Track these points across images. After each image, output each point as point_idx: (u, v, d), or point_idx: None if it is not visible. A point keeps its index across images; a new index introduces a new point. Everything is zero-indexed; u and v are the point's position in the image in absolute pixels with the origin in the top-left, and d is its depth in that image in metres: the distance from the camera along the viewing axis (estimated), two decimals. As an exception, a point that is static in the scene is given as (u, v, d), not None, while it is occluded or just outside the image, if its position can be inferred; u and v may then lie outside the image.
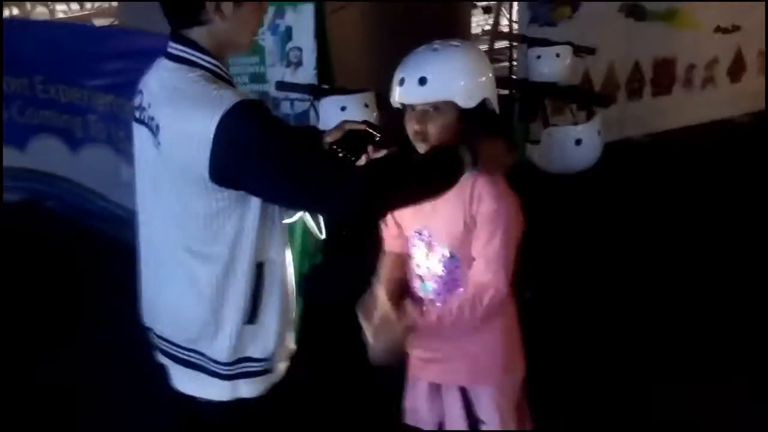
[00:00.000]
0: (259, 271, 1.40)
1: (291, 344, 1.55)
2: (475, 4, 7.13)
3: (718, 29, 5.27)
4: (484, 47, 4.99)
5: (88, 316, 3.17)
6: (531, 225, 1.68)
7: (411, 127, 1.57)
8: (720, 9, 5.21)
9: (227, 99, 1.29)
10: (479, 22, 7.09)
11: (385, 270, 1.75)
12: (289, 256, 1.49)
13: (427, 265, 1.69)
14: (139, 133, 1.43)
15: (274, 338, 1.45)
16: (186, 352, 1.47)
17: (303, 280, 2.41)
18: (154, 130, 1.37)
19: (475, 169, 1.47)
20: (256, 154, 1.28)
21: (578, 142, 2.71)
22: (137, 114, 1.44)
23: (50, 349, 2.99)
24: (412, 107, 1.56)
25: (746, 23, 5.32)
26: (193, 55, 1.38)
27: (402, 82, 1.55)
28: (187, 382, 1.49)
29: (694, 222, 3.85)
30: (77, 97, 3.93)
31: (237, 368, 1.44)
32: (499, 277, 1.58)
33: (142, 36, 3.64)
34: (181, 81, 1.36)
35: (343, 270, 2.41)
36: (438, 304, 1.67)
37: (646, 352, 2.84)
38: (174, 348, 1.49)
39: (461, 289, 1.65)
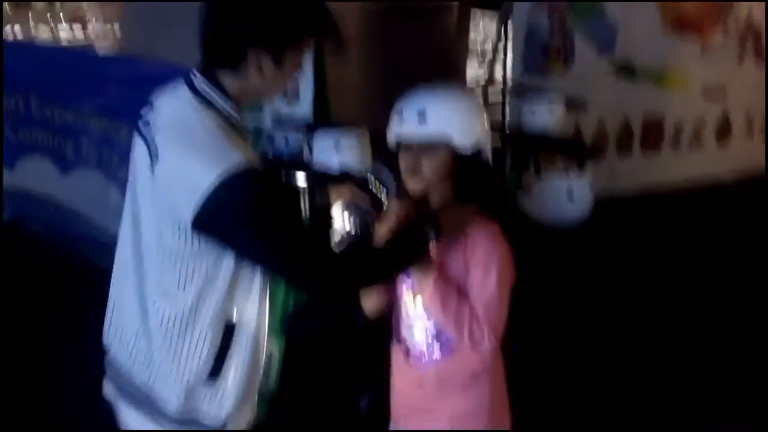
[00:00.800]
0: (228, 332, 1.36)
1: (250, 413, 1.49)
2: (470, 55, 7.25)
3: (706, 91, 5.40)
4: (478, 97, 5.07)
5: (60, 342, 3.10)
6: (519, 276, 1.67)
7: (405, 163, 1.56)
8: (708, 72, 5.34)
9: (233, 159, 1.26)
10: (474, 74, 7.22)
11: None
12: (265, 322, 1.44)
13: (418, 314, 1.66)
14: (138, 146, 1.41)
15: (230, 406, 1.40)
16: (137, 388, 1.41)
17: (287, 318, 2.39)
18: (152, 155, 1.34)
19: (438, 241, 1.49)
20: (244, 223, 1.28)
21: (570, 193, 2.74)
22: (140, 125, 1.40)
23: (16, 372, 2.93)
24: (408, 145, 1.55)
25: (733, 84, 5.46)
26: (213, 98, 1.35)
27: (401, 114, 1.54)
28: (133, 420, 1.43)
29: (680, 278, 3.86)
30: (72, 119, 3.92)
31: (185, 422, 1.39)
32: (484, 331, 1.56)
33: (142, 63, 3.67)
34: (193, 120, 1.33)
35: (326, 312, 2.39)
36: (424, 357, 1.65)
37: (633, 410, 2.81)
38: (125, 382, 1.43)
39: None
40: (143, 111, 1.42)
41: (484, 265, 1.55)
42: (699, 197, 5.04)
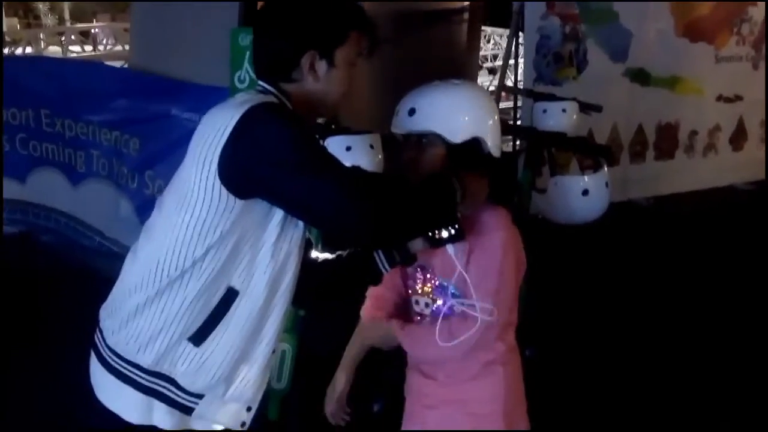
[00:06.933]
0: (228, 296, 1.32)
1: (234, 406, 1.41)
2: (481, 65, 7.27)
3: (720, 98, 5.35)
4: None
5: (68, 351, 3.07)
6: (532, 278, 1.65)
7: (403, 157, 1.58)
8: (722, 79, 5.30)
9: (254, 101, 1.29)
10: (484, 82, 7.21)
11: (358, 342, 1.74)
12: (282, 299, 1.38)
13: (428, 302, 1.63)
14: None
15: (209, 376, 1.35)
16: (108, 351, 1.37)
17: (299, 320, 2.35)
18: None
19: (462, 204, 1.43)
20: (271, 149, 1.23)
21: (585, 192, 2.68)
22: None
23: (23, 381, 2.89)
24: (406, 141, 1.57)
25: (748, 93, 5.41)
26: (276, 95, 1.37)
27: (397, 113, 1.57)
28: (107, 390, 1.39)
29: (694, 283, 3.81)
30: (82, 132, 3.94)
31: (155, 383, 1.34)
32: (484, 309, 1.51)
33: (150, 78, 3.69)
34: (243, 93, 1.37)
35: (333, 319, 2.35)
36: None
37: (652, 414, 2.75)
38: (102, 342, 1.40)
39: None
40: None
41: (488, 245, 1.53)
42: (713, 203, 4.98)
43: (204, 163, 1.27)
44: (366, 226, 1.25)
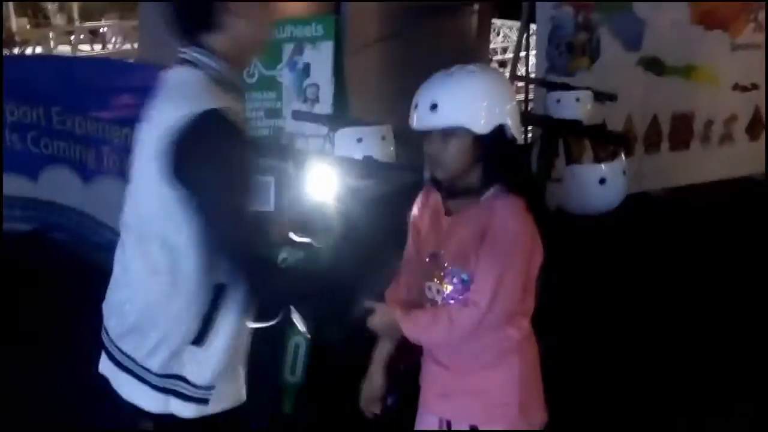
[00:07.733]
0: (217, 293, 1.36)
1: (240, 382, 1.49)
2: (491, 58, 7.22)
3: (737, 86, 5.26)
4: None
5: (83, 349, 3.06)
6: (548, 268, 1.62)
7: (427, 154, 1.57)
8: (738, 67, 5.22)
9: (204, 104, 1.30)
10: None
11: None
12: None
13: (438, 288, 1.62)
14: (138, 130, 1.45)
15: (216, 369, 1.40)
16: (119, 353, 1.43)
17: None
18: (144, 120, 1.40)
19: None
20: (197, 158, 1.29)
21: (602, 180, 2.63)
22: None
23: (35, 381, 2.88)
24: (429, 136, 1.55)
25: (765, 82, 5.31)
26: (200, 59, 1.38)
27: (416, 107, 1.55)
28: (123, 386, 1.45)
29: (711, 275, 3.76)
30: (93, 129, 3.94)
31: (168, 383, 1.40)
32: (484, 295, 1.51)
33: (160, 71, 3.68)
34: (176, 79, 1.39)
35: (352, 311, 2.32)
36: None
37: (668, 406, 2.71)
38: (111, 344, 1.45)
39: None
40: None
41: (499, 235, 1.52)
42: (729, 194, 4.91)
43: (160, 173, 1.31)
44: (238, 273, 1.35)
